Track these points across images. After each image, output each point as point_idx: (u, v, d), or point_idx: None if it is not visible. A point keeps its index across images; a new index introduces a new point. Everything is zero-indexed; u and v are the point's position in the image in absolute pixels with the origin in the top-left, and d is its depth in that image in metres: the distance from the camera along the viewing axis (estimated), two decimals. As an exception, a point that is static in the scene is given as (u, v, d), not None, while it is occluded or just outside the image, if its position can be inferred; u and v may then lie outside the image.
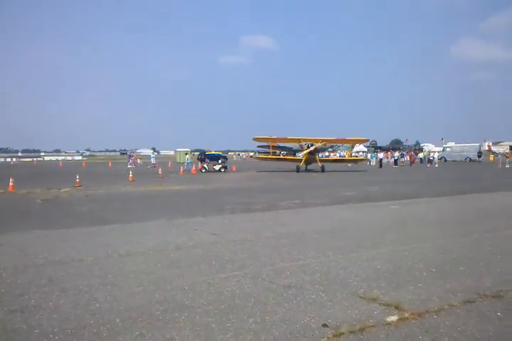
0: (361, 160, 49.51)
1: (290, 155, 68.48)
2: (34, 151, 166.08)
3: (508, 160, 45.06)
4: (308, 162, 36.00)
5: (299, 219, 10.80)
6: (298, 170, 34.61)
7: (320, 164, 35.49)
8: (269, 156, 44.64)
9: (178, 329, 4.06)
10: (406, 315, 4.31)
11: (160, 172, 30.23)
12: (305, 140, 36.50)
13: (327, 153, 68.61)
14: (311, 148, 35.08)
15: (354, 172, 35.51)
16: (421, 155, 58.96)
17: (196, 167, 36.89)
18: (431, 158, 48.19)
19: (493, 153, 66.86)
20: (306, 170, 35.66)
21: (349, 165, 46.19)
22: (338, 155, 69.30)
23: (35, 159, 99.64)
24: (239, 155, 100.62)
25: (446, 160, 56.56)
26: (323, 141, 37.75)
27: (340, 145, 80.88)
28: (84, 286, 5.33)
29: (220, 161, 37.48)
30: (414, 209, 12.85)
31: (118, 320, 4.25)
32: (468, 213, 11.71)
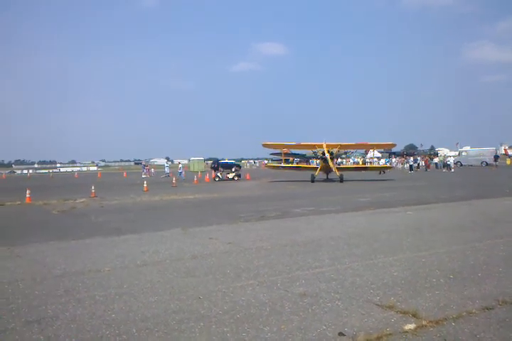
0: (388, 167, 42.59)
1: (304, 162, 67.97)
2: (50, 162, 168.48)
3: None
4: (326, 171, 32.18)
5: (313, 227, 10.75)
6: (313, 179, 30.27)
7: (338, 173, 31.18)
8: (281, 165, 41.66)
9: (194, 338, 4.06)
10: (424, 322, 4.25)
11: (174, 181, 30.41)
12: (320, 146, 32.15)
13: (340, 160, 66.38)
14: (327, 155, 30.99)
15: (369, 176, 35.02)
16: (436, 160, 58.39)
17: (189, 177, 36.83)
18: (447, 163, 47.63)
19: (510, 156, 65.85)
20: (327, 180, 32.00)
21: (382, 173, 40.59)
22: (351, 161, 68.13)
23: (51, 170, 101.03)
24: (254, 163, 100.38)
25: (462, 165, 55.93)
26: (341, 146, 33.94)
27: (354, 151, 79.79)
28: (100, 297, 5.37)
29: (233, 169, 37.62)
30: (431, 214, 12.71)
31: (134, 330, 4.27)
32: (485, 218, 11.53)
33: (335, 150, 32.75)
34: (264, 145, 35.06)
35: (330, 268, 6.45)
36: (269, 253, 7.58)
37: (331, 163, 31.62)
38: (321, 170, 32.00)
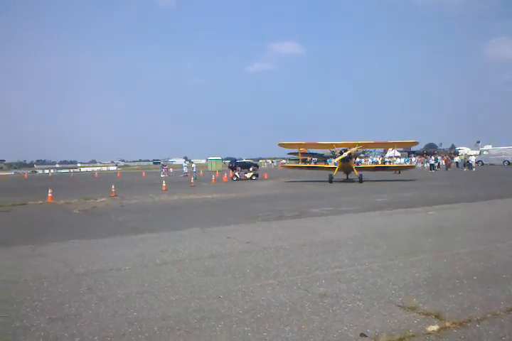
0: (410, 167, 40.85)
1: (322, 162, 67.54)
2: (71, 162, 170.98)
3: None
4: (345, 171, 31.00)
5: (332, 227, 10.68)
6: (331, 180, 28.98)
7: (357, 173, 29.91)
8: (298, 165, 40.92)
9: (214, 337, 4.07)
10: (447, 324, 4.19)
11: (192, 181, 30.57)
12: (338, 145, 31.49)
13: (358, 159, 64.95)
14: (345, 154, 29.88)
15: (387, 176, 34.60)
16: (457, 159, 57.50)
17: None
18: (470, 162, 46.83)
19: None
20: (346, 180, 30.85)
21: (397, 172, 39.37)
22: (370, 161, 67.21)
23: (72, 170, 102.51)
24: (272, 162, 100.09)
25: (483, 164, 54.99)
26: (360, 145, 32.19)
27: (373, 150, 78.58)
28: (122, 295, 5.43)
29: (251, 169, 37.69)
30: (453, 214, 12.52)
31: (156, 328, 4.30)
32: (509, 218, 11.31)
33: (353, 150, 31.45)
34: (280, 145, 34.23)
35: (350, 268, 6.41)
36: (288, 253, 7.57)
37: (350, 163, 30.61)
38: (339, 169, 30.68)
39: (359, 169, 32.31)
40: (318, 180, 30.91)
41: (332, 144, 32.23)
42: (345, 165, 30.42)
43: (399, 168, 39.06)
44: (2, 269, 7.04)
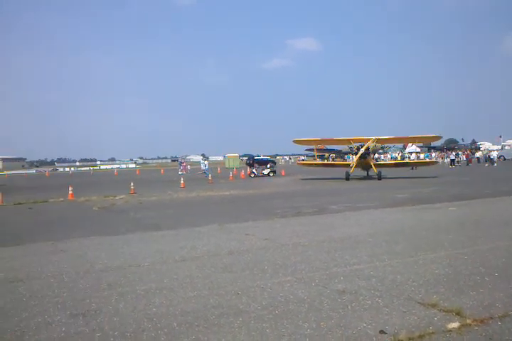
0: (433, 163, 37.55)
1: (339, 158, 66.96)
2: (91, 160, 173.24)
3: None
4: (363, 167, 29.72)
5: (351, 223, 10.61)
6: (348, 177, 27.81)
7: (376, 170, 28.55)
8: (314, 162, 39.88)
9: (233, 333, 4.08)
10: (468, 321, 4.12)
11: (210, 178, 30.69)
12: (356, 140, 30.06)
13: (377, 155, 63.37)
14: (362, 150, 28.47)
15: (405, 173, 34.11)
16: (478, 154, 56.49)
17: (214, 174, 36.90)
18: (491, 157, 45.97)
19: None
20: (366, 177, 29.61)
21: (414, 168, 38.61)
22: (388, 157, 66.29)
23: (91, 168, 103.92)
24: (290, 158, 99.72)
25: (505, 159, 53.92)
26: (378, 140, 30.56)
27: (392, 145, 77.42)
28: (141, 291, 5.48)
29: (268, 166, 37.64)
30: (474, 210, 12.31)
31: (175, 324, 4.33)
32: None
33: (371, 145, 29.71)
34: (295, 142, 33.07)
35: (368, 265, 6.36)
36: (306, 250, 7.54)
37: (368, 159, 29.07)
38: (356, 166, 29.16)
39: (378, 165, 30.91)
40: (337, 177, 29.74)
41: (349, 140, 30.79)
42: (363, 161, 29.00)
43: (420, 164, 37.08)
44: (24, 265, 7.18)
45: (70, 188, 20.76)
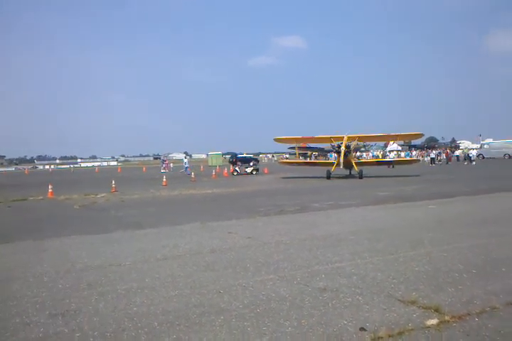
0: (415, 161, 38.26)
1: (322, 156, 67.18)
2: (71, 158, 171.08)
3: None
4: (346, 166, 28.89)
5: (332, 221, 10.68)
6: (329, 176, 27.51)
7: (357, 168, 28.40)
8: (295, 161, 38.81)
9: (214, 332, 4.07)
10: (446, 318, 4.19)
11: (193, 176, 30.56)
12: (338, 138, 29.41)
13: (359, 153, 63.06)
14: (342, 148, 27.93)
15: (386, 171, 34.45)
16: (458, 152, 57.38)
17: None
18: (469, 156, 46.77)
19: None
20: (348, 176, 29.17)
21: (391, 167, 38.60)
22: (370, 155, 66.67)
23: (72, 166, 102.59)
24: (273, 156, 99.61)
25: (484, 158, 54.92)
26: (360, 138, 30.87)
27: (373, 143, 77.89)
28: (122, 290, 5.43)
29: (251, 164, 37.64)
30: (453, 208, 12.52)
31: (156, 324, 4.31)
32: (509, 212, 11.30)
33: (353, 143, 29.94)
34: (276, 140, 32.65)
35: (350, 262, 6.41)
36: (288, 248, 7.57)
37: (349, 157, 28.58)
38: (337, 165, 28.61)
39: (359, 164, 30.60)
40: (319, 176, 29.32)
41: (330, 138, 30.27)
42: (344, 160, 28.28)
43: (403, 162, 36.67)
44: (3, 264, 7.06)
45: (49, 186, 20.46)
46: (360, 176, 27.34)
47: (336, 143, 29.61)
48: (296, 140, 33.36)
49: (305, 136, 32.52)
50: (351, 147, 29.32)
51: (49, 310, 4.79)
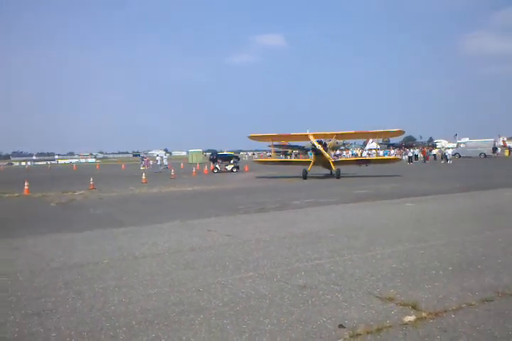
0: (395, 159, 35.48)
1: (303, 154, 67.29)
2: (48, 154, 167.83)
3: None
4: (324, 165, 27.86)
5: (312, 218, 10.74)
6: (305, 175, 25.77)
7: (334, 167, 27.16)
8: (270, 159, 36.70)
9: (193, 330, 4.05)
10: (423, 314, 4.25)
11: (173, 173, 30.36)
12: (316, 135, 28.01)
13: (339, 152, 59.28)
14: (317, 146, 26.70)
15: (364, 171, 34.59)
16: (435, 151, 58.27)
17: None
18: (446, 154, 47.61)
19: (509, 148, 65.80)
20: (328, 176, 27.57)
21: (365, 165, 35.09)
22: (350, 153, 66.90)
23: (49, 162, 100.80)
24: (253, 154, 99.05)
25: (460, 156, 55.91)
26: (337, 136, 29.55)
27: (352, 142, 78.29)
28: (99, 289, 5.36)
29: (231, 161, 37.57)
30: (430, 206, 12.70)
31: (134, 323, 4.26)
32: (485, 210, 11.54)
33: (332, 141, 29.18)
34: (251, 138, 31.11)
35: (329, 260, 6.45)
36: (268, 245, 7.58)
37: (325, 156, 27.06)
38: (314, 164, 27.38)
39: (337, 163, 29.11)
40: (298, 175, 27.75)
41: (307, 135, 28.30)
42: (320, 158, 26.97)
43: (383, 161, 34.87)
44: (-24, 264, 6.89)
45: (26, 183, 20.06)
46: (338, 175, 25.97)
47: (314, 141, 27.92)
48: (272, 137, 31.77)
49: (281, 134, 31.46)
50: (328, 145, 28.24)
51: (24, 310, 4.69)
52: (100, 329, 4.12)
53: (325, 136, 28.81)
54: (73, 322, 4.31)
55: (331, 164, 27.62)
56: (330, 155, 28.60)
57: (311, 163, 27.59)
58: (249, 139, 31.25)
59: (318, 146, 26.74)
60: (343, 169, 28.31)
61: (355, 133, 31.14)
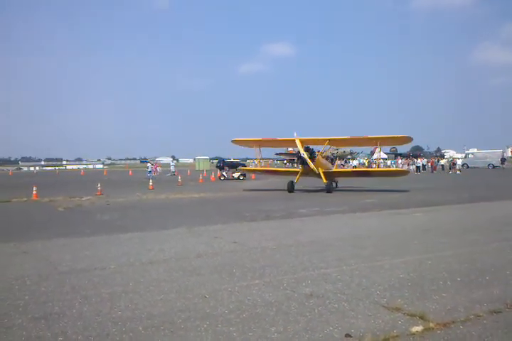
0: (403, 172, 27.88)
1: (299, 162, 65.70)
2: (56, 160, 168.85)
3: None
4: (315, 176, 23.50)
5: (319, 227, 10.71)
6: (290, 188, 22.37)
7: (325, 179, 22.57)
8: (257, 168, 31.85)
9: (199, 337, 4.04)
10: (431, 325, 4.22)
11: (180, 180, 30.44)
12: (305, 141, 23.72)
13: (339, 162, 52.08)
14: (302, 154, 22.79)
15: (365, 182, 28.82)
16: (442, 161, 58.02)
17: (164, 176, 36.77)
18: (456, 164, 47.44)
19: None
20: (323, 189, 22.36)
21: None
22: (355, 163, 65.20)
23: (57, 168, 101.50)
24: (260, 162, 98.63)
25: (468, 167, 55.65)
26: (330, 141, 24.53)
27: (360, 152, 77.76)
28: (106, 294, 5.37)
29: (238, 169, 37.63)
30: (438, 216, 12.63)
31: (140, 328, 4.26)
32: (493, 221, 11.45)
33: (327, 149, 25.25)
34: (234, 142, 26.86)
35: (336, 269, 6.43)
36: (274, 253, 7.57)
37: (311, 165, 22.65)
38: (302, 174, 23.81)
39: (330, 174, 23.92)
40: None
41: (294, 140, 23.54)
42: (307, 168, 23.00)
43: (388, 173, 28.77)
44: (-16, 267, 6.93)
45: (34, 188, 20.19)
46: (328, 190, 21.92)
47: (297, 148, 24.09)
48: (256, 142, 26.84)
49: (266, 138, 26.80)
50: (318, 153, 23.89)
51: (32, 314, 4.71)
52: (107, 334, 4.13)
53: (316, 141, 24.93)
54: (80, 327, 4.32)
55: (322, 175, 23.02)
56: (323, 164, 24.28)
57: (299, 174, 23.98)
58: (232, 143, 27.06)
59: (303, 154, 22.72)
60: (345, 181, 26.27)
61: (350, 139, 25.45)
